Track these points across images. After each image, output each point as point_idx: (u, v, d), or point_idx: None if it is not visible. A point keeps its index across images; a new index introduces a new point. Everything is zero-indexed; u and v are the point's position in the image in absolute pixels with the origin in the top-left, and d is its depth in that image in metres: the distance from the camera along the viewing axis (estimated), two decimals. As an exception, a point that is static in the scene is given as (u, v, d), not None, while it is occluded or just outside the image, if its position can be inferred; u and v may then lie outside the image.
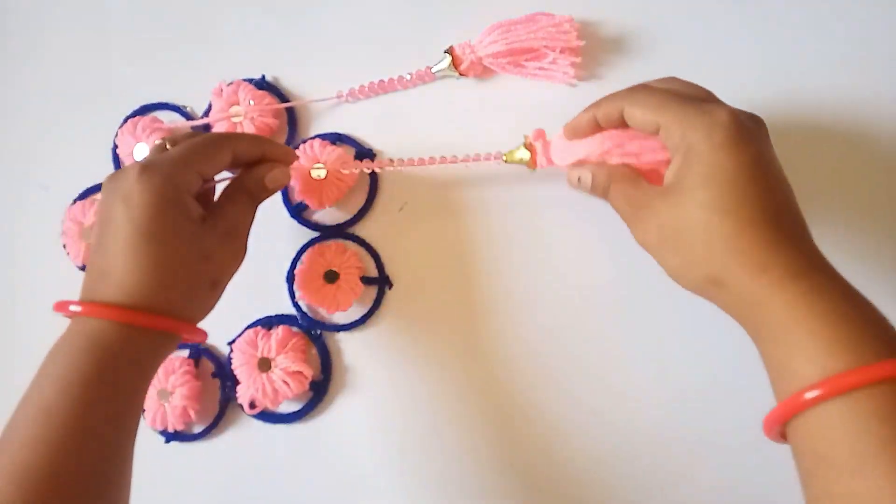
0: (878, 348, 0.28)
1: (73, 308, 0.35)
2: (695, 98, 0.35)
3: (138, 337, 0.35)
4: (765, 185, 0.32)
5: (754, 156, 0.32)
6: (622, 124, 0.37)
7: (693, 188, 0.32)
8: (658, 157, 0.38)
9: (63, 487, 0.32)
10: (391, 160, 0.46)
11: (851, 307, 0.30)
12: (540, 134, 0.43)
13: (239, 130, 0.48)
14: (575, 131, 0.39)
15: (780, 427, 0.30)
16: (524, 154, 0.43)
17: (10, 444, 0.32)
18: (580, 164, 0.40)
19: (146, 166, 0.36)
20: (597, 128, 0.39)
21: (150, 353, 0.36)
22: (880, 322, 0.29)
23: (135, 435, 0.36)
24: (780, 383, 0.30)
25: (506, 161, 0.44)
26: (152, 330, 0.35)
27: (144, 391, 0.36)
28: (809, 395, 0.28)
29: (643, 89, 0.36)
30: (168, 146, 0.39)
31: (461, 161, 0.44)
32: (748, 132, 0.33)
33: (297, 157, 0.44)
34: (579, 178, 0.39)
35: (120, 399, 0.35)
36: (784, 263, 0.31)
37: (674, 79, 0.37)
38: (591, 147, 0.39)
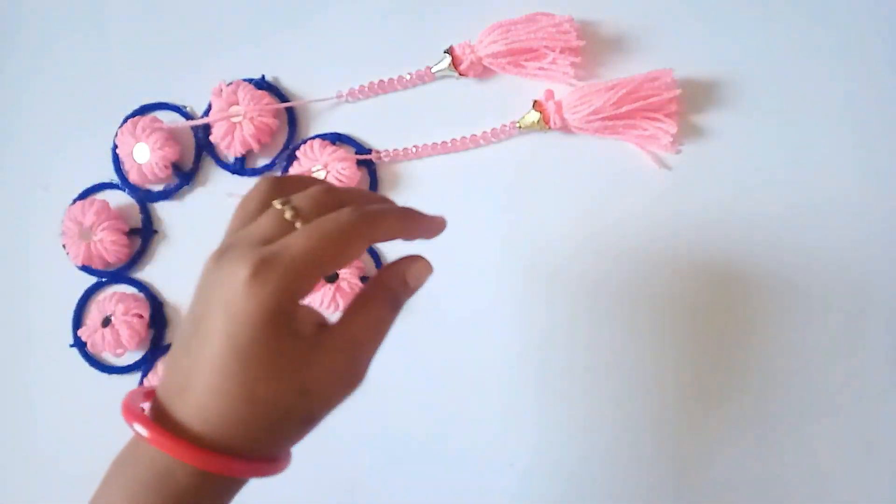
0: None
1: (139, 431, 0.29)
2: None
3: (212, 480, 0.30)
4: None
5: None
6: None
7: None
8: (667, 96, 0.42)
9: None
10: (415, 147, 0.48)
11: None
12: (549, 94, 0.45)
13: (238, 132, 0.48)
14: None
15: None
16: (535, 116, 0.45)
17: None
18: (596, 114, 0.43)
19: (260, 269, 0.28)
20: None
21: (223, 493, 0.31)
22: None
23: None
24: None
25: (520, 128, 0.46)
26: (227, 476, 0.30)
27: None
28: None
29: None
30: (287, 216, 0.30)
31: (478, 139, 0.47)
32: None
33: (445, 226, 0.35)
34: None
35: None
36: None
37: None
38: (605, 95, 0.42)
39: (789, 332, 0.43)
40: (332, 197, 0.32)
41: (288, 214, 0.30)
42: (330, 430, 0.48)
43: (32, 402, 0.53)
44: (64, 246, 0.51)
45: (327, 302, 0.46)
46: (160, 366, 0.49)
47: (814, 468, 0.42)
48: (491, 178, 0.47)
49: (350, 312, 0.31)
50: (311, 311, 0.32)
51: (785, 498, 0.42)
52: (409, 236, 0.33)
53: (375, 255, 0.48)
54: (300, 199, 0.31)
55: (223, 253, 0.29)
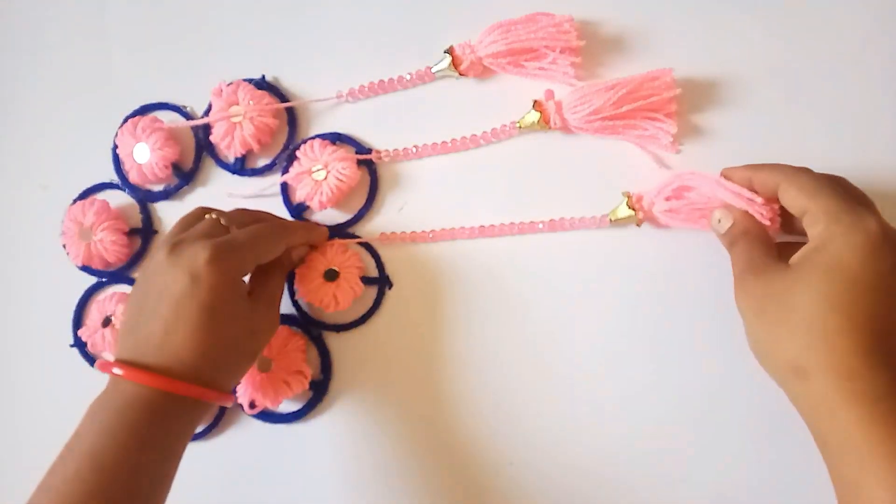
0: None
1: (117, 371, 0.37)
2: (852, 198, 0.35)
3: (185, 405, 0.38)
4: (883, 300, 0.32)
5: (884, 270, 0.32)
6: (773, 196, 0.38)
7: (813, 274, 0.33)
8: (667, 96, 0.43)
9: None
10: (415, 147, 0.48)
11: None
12: (549, 94, 0.45)
13: (238, 132, 0.48)
14: (727, 175, 0.40)
15: None
16: (535, 116, 0.45)
17: (62, 494, 0.35)
18: (596, 114, 0.43)
19: (217, 254, 0.39)
20: (748, 185, 0.39)
21: (194, 419, 0.40)
22: None
23: (169, 489, 0.39)
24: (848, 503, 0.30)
25: (520, 128, 0.46)
26: (198, 400, 0.38)
27: (183, 452, 0.39)
28: None
29: (806, 172, 0.37)
30: (223, 221, 0.42)
31: (478, 139, 0.47)
32: (888, 246, 0.33)
33: (327, 236, 0.48)
34: (719, 220, 0.40)
35: (164, 459, 0.38)
36: (873, 378, 0.31)
37: (841, 179, 0.37)
38: (605, 95, 0.43)
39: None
40: (248, 213, 0.46)
41: (223, 220, 0.43)
42: (330, 428, 0.48)
43: (32, 402, 0.53)
44: (64, 246, 0.51)
45: (327, 300, 0.46)
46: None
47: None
48: (491, 178, 0.47)
49: (262, 281, 0.44)
50: (244, 282, 0.42)
51: (783, 497, 0.42)
52: (312, 243, 0.47)
53: (376, 256, 0.48)
54: (227, 212, 0.44)
55: (177, 245, 0.39)
